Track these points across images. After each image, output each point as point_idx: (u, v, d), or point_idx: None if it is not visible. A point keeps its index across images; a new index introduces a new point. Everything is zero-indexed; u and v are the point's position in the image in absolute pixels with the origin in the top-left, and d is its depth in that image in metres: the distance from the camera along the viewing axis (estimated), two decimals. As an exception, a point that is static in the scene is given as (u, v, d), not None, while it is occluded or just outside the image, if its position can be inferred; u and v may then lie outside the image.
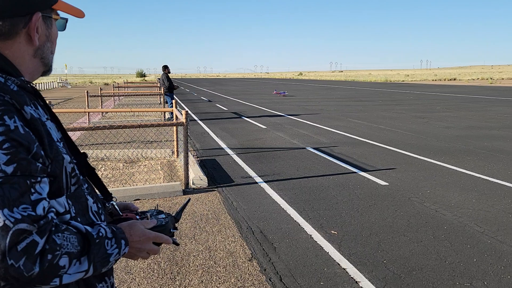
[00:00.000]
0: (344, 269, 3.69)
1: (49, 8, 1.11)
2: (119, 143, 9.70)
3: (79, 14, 1.18)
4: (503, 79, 66.59)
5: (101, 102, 17.08)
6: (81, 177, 1.14)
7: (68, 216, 1.03)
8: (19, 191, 0.88)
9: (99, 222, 1.10)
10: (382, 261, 3.82)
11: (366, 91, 36.94)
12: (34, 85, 1.13)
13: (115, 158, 8.07)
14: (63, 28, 1.21)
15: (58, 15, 1.15)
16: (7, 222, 0.85)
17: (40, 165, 0.94)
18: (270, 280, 3.51)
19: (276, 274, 3.61)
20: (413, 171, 7.10)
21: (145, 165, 7.66)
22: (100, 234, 1.02)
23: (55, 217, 0.95)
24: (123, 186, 6.12)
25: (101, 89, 16.83)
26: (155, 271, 3.68)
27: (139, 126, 5.99)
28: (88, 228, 1.01)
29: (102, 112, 15.96)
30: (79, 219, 1.07)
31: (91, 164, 1.29)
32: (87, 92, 14.64)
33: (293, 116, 15.91)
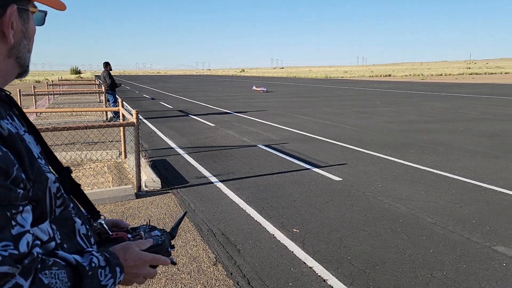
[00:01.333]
0: (310, 267, 3.68)
1: (25, 0, 0.94)
2: (59, 145, 9.11)
3: (60, 6, 1.00)
4: (432, 75, 70.98)
5: (35, 101, 16.03)
6: (66, 197, 0.98)
7: (53, 243, 0.88)
8: None
9: (90, 249, 0.95)
10: (346, 258, 3.87)
11: (308, 87, 37.76)
12: (8, 93, 0.96)
13: (57, 161, 7.54)
14: (42, 22, 1.03)
15: (35, 7, 0.98)
16: None
17: (21, 191, 0.79)
18: (238, 284, 3.43)
19: (243, 278, 3.53)
20: (363, 166, 7.31)
21: (91, 167, 7.25)
22: (93, 265, 0.89)
23: (40, 251, 0.82)
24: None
25: (34, 88, 15.77)
26: (115, 282, 3.46)
27: (86, 127, 5.63)
28: (78, 258, 0.88)
29: (36, 112, 14.96)
30: (65, 245, 0.92)
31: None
32: (19, 90, 13.64)
33: (240, 113, 15.86)
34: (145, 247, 1.06)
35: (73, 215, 0.97)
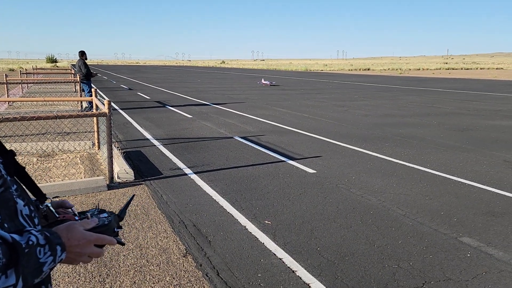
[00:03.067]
0: (280, 259, 3.70)
1: None
2: (30, 135, 8.89)
3: None
4: (410, 69, 72.05)
5: (7, 90, 15.57)
6: (9, 178, 0.99)
7: None
8: None
9: (30, 228, 0.94)
10: (316, 249, 3.90)
11: (288, 79, 37.80)
12: None
13: (27, 152, 7.37)
14: None
15: None
16: None
17: None
18: (207, 276, 3.41)
19: (212, 269, 3.52)
20: (338, 158, 7.37)
21: (63, 158, 7.09)
22: (30, 243, 0.89)
23: None
24: (39, 182, 5.60)
25: (6, 76, 15.31)
26: (82, 274, 3.40)
27: (56, 117, 5.49)
28: (16, 236, 0.88)
29: (8, 101, 14.54)
30: (6, 225, 0.93)
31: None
32: (-10, 79, 13.21)
33: (218, 105, 15.77)
34: (89, 226, 1.06)
35: (14, 196, 0.98)
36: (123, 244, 1.18)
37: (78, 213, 1.17)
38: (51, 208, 1.13)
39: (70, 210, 1.20)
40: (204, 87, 26.68)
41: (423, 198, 5.35)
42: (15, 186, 1.00)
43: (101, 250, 1.08)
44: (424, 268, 3.57)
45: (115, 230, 1.14)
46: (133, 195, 1.40)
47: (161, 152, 7.72)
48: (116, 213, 1.19)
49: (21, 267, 0.86)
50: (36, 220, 1.04)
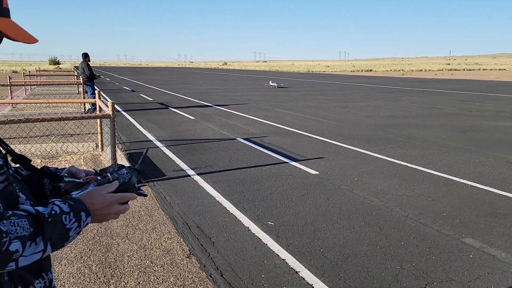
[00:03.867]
0: (283, 260, 3.72)
1: None
2: (34, 136, 8.93)
3: (27, 40, 1.05)
4: (412, 71, 72.01)
5: (10, 92, 15.65)
6: (11, 172, 1.10)
7: None
8: None
9: (53, 199, 1.05)
10: (319, 250, 3.92)
11: (290, 81, 37.83)
12: None
13: (32, 153, 7.41)
14: None
15: None
16: None
17: None
18: (211, 277, 3.44)
19: (216, 270, 3.54)
20: (340, 160, 7.39)
21: (67, 160, 7.13)
22: (53, 212, 0.99)
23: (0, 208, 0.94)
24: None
25: (10, 78, 15.38)
26: (86, 275, 3.43)
27: (60, 119, 5.53)
28: (40, 208, 0.99)
29: (12, 103, 14.61)
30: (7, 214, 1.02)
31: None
32: (-6, 81, 13.28)
33: (221, 107, 15.81)
34: (112, 189, 1.14)
35: (17, 190, 1.06)
36: (145, 195, 1.26)
37: (100, 170, 1.24)
38: (70, 179, 1.21)
39: (92, 170, 1.29)
40: (206, 88, 26.73)
41: (426, 199, 5.36)
42: (15, 182, 1.09)
43: (125, 206, 1.17)
44: (427, 269, 3.58)
45: (136, 185, 1.20)
46: (147, 148, 1.48)
47: (164, 154, 7.75)
48: (135, 167, 1.25)
49: (47, 235, 0.96)
50: None
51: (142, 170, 1.28)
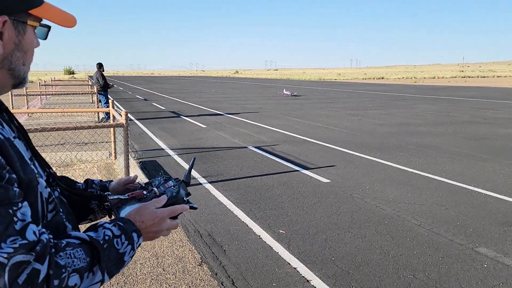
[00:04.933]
0: (295, 268, 3.72)
1: (23, 13, 0.94)
2: (49, 145, 9.09)
3: (67, 22, 0.99)
4: (425, 78, 71.54)
5: (27, 101, 15.95)
6: (58, 201, 1.02)
7: None
8: (3, 224, 0.78)
9: (102, 222, 0.99)
10: (331, 258, 3.91)
11: (301, 89, 37.87)
12: None
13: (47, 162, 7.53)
14: (44, 36, 1.03)
15: (38, 21, 0.97)
16: (0, 259, 0.76)
17: (17, 189, 0.83)
18: (223, 285, 3.45)
19: (228, 278, 3.56)
20: (352, 168, 7.37)
21: (81, 168, 7.24)
22: (107, 237, 0.93)
23: (51, 237, 0.86)
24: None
25: (26, 88, 15.68)
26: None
27: (75, 128, 5.63)
28: (92, 234, 0.93)
29: (28, 113, 14.89)
30: None
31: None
32: (11, 91, 13.56)
33: (232, 115, 15.89)
34: (161, 204, 1.09)
35: (64, 219, 1.01)
36: (195, 208, 1.20)
37: (145, 184, 1.20)
38: (114, 197, 1.16)
39: (137, 183, 1.25)
40: (218, 97, 26.90)
41: (439, 208, 5.32)
42: (61, 209, 1.04)
43: (176, 222, 1.11)
44: (440, 279, 3.55)
45: (185, 198, 1.16)
46: (194, 158, 1.45)
47: (176, 162, 7.82)
48: (182, 179, 1.21)
49: (103, 263, 0.90)
50: None
51: (189, 182, 1.26)
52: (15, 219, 0.80)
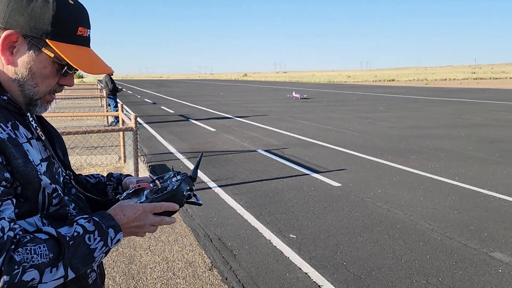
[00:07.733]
0: (306, 273, 3.67)
1: (41, 39, 0.97)
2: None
3: (90, 70, 1.02)
4: (436, 80, 70.97)
5: (38, 105, 16.09)
6: (66, 198, 1.08)
7: None
8: None
9: (78, 217, 1.00)
10: (342, 263, 3.86)
11: (311, 92, 37.77)
12: (18, 104, 1.02)
13: (58, 165, 7.57)
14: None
15: (53, 53, 0.99)
16: None
17: (2, 188, 0.89)
18: (233, 290, 3.42)
19: (238, 283, 3.52)
20: (363, 171, 7.30)
21: (90, 172, 7.26)
22: (75, 234, 0.94)
23: (20, 233, 0.90)
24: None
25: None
26: (110, 286, 3.46)
27: (85, 132, 5.66)
28: (63, 230, 0.95)
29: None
30: None
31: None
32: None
33: (241, 118, 15.88)
34: (153, 206, 1.09)
35: (69, 214, 1.06)
36: (200, 204, 1.22)
37: (156, 178, 1.22)
38: (123, 195, 1.18)
39: (148, 177, 1.27)
40: (226, 100, 26.93)
41: (452, 212, 5.23)
42: (72, 205, 1.09)
43: (171, 218, 1.12)
44: (454, 284, 3.48)
45: (184, 193, 1.15)
46: (202, 153, 1.46)
47: (185, 166, 7.81)
48: (189, 174, 1.22)
49: (67, 259, 0.91)
50: None
51: (195, 178, 1.25)
52: None
